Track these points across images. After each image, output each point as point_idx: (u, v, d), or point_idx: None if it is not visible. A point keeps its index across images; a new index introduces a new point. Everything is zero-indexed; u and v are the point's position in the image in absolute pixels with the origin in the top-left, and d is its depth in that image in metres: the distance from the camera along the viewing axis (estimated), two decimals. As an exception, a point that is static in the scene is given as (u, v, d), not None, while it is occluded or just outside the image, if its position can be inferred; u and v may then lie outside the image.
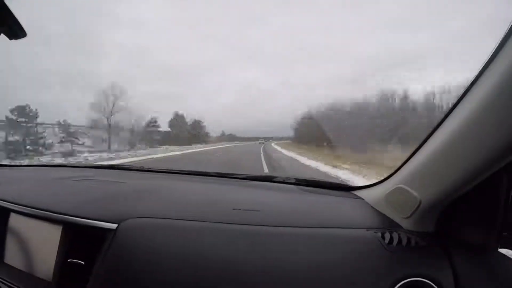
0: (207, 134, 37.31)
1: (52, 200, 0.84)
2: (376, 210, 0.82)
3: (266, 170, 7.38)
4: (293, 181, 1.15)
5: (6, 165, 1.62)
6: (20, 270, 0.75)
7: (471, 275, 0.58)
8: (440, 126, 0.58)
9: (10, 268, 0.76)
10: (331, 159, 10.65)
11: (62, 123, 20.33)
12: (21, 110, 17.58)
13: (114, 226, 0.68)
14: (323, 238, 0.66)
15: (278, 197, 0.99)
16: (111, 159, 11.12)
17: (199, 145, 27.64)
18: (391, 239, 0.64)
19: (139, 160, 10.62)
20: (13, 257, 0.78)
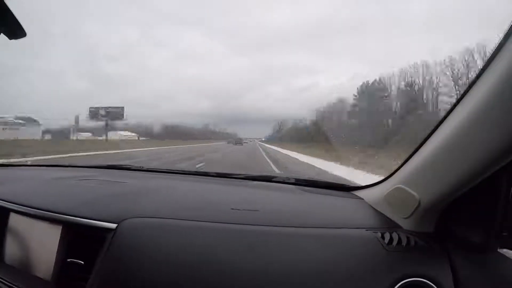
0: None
1: (52, 200, 0.84)
2: (375, 210, 0.82)
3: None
4: (293, 181, 1.15)
5: (6, 165, 1.62)
6: (19, 269, 0.75)
7: (471, 275, 0.58)
8: (440, 126, 0.58)
9: (10, 267, 0.76)
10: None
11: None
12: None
13: (113, 226, 0.68)
14: (322, 238, 0.66)
15: (277, 197, 0.99)
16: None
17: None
18: (391, 239, 0.64)
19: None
20: (13, 256, 0.78)
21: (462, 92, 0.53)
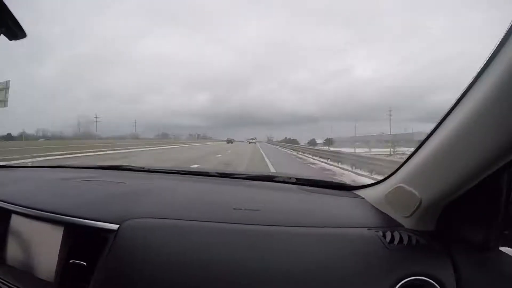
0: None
1: (54, 201, 0.84)
2: (377, 209, 0.82)
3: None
4: (294, 180, 1.15)
5: (7, 166, 1.62)
6: (21, 271, 0.75)
7: (473, 274, 0.59)
8: (441, 125, 0.58)
9: (12, 269, 0.76)
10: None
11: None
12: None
13: (115, 226, 0.68)
14: (323, 237, 0.66)
15: (279, 196, 0.99)
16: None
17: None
18: (392, 238, 0.64)
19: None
20: (14, 258, 0.78)
21: (463, 90, 0.53)
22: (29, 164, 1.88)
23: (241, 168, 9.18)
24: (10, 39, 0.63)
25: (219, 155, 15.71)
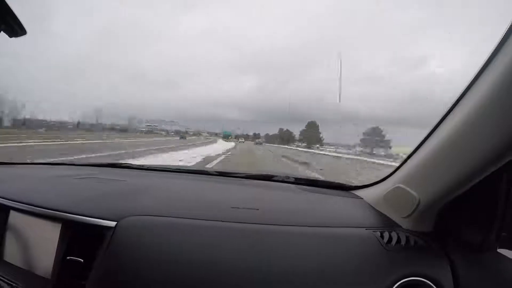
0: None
1: (52, 197, 0.84)
2: (375, 209, 0.82)
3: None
4: (292, 180, 1.15)
5: (6, 163, 1.62)
6: (19, 267, 0.75)
7: (470, 275, 0.59)
8: (439, 125, 0.58)
9: (10, 265, 0.76)
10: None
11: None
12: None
13: (113, 223, 0.68)
14: (321, 237, 0.66)
15: (277, 196, 0.99)
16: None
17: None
18: (390, 238, 0.64)
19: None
20: (12, 254, 0.78)
21: (462, 91, 0.53)
22: (28, 161, 1.88)
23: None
24: (10, 36, 0.63)
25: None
